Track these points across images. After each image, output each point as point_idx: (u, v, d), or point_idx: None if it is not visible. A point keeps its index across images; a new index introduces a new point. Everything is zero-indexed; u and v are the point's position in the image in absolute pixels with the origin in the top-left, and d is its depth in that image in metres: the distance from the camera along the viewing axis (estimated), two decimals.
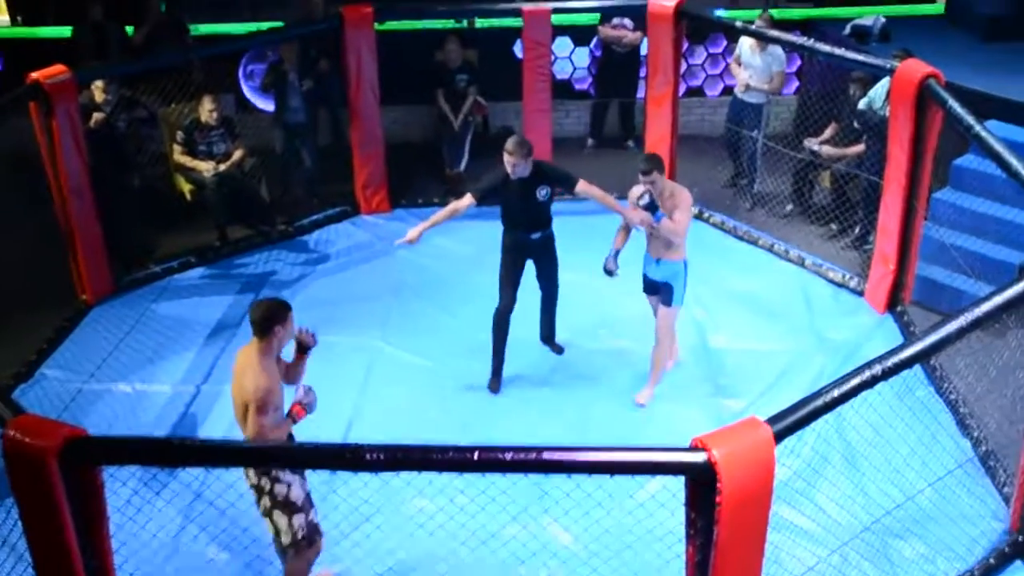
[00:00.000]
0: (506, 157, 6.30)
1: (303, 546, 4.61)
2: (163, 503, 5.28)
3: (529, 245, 6.67)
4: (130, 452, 3.91)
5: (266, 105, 9.61)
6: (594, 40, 10.43)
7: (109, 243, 7.78)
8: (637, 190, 6.28)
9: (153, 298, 7.84)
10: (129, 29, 9.76)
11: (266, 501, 4.56)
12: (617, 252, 6.47)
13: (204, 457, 4.04)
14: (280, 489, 4.51)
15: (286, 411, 4.58)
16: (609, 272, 6.44)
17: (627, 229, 6.50)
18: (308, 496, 4.62)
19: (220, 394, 6.60)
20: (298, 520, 4.56)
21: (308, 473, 4.65)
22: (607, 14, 9.91)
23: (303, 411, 4.58)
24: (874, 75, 7.90)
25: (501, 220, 6.65)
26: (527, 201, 6.47)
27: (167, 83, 8.50)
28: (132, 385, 6.76)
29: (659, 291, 6.47)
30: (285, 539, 4.58)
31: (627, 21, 9.92)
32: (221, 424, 6.22)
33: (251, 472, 4.53)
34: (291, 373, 4.83)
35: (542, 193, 6.49)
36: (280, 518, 4.56)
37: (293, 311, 4.59)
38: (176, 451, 4.00)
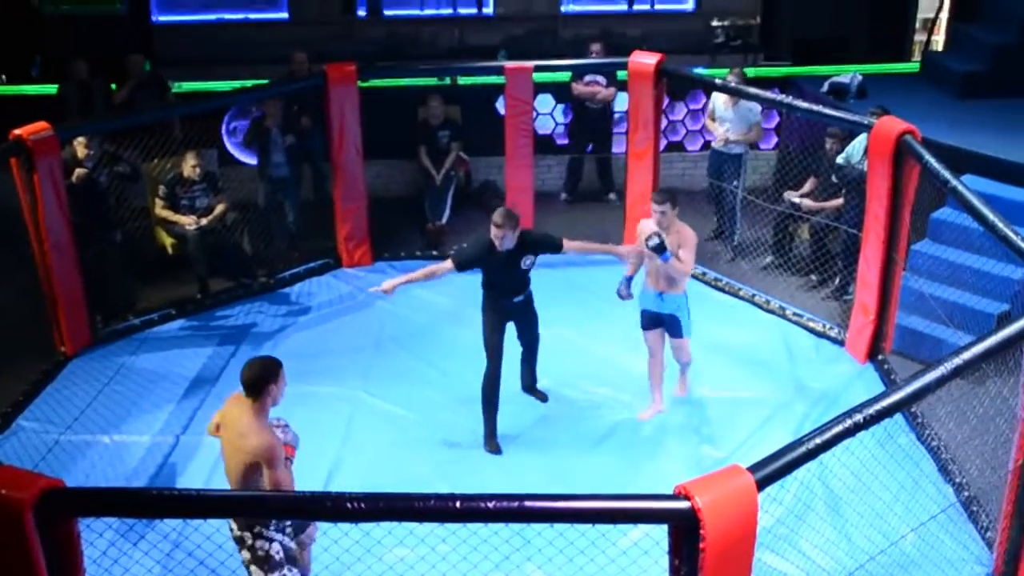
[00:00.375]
0: (494, 230, 6.23)
1: None
2: (141, 554, 5.20)
3: (511, 309, 6.64)
4: (107, 503, 3.87)
5: (250, 159, 9.66)
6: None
7: (89, 296, 7.76)
8: (645, 226, 6.44)
9: (132, 350, 7.80)
10: (114, 86, 9.84)
11: (246, 554, 4.56)
12: (629, 279, 6.66)
13: (182, 508, 3.98)
14: (261, 544, 4.50)
15: None
16: (622, 296, 6.66)
17: (636, 256, 6.64)
18: (289, 553, 4.58)
19: (200, 444, 6.56)
20: None
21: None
22: (580, 71, 10.05)
23: (292, 449, 4.67)
24: (851, 131, 8.02)
25: (483, 285, 6.60)
26: (512, 271, 6.44)
27: (149, 139, 8.54)
28: (110, 436, 6.70)
29: (662, 324, 6.68)
30: None
31: (600, 78, 10.07)
32: (200, 474, 6.18)
33: (235, 525, 4.52)
34: None
35: (527, 262, 6.47)
36: (257, 573, 4.56)
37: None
38: (154, 502, 3.95)
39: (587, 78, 10.11)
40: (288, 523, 4.60)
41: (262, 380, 4.51)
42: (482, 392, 6.57)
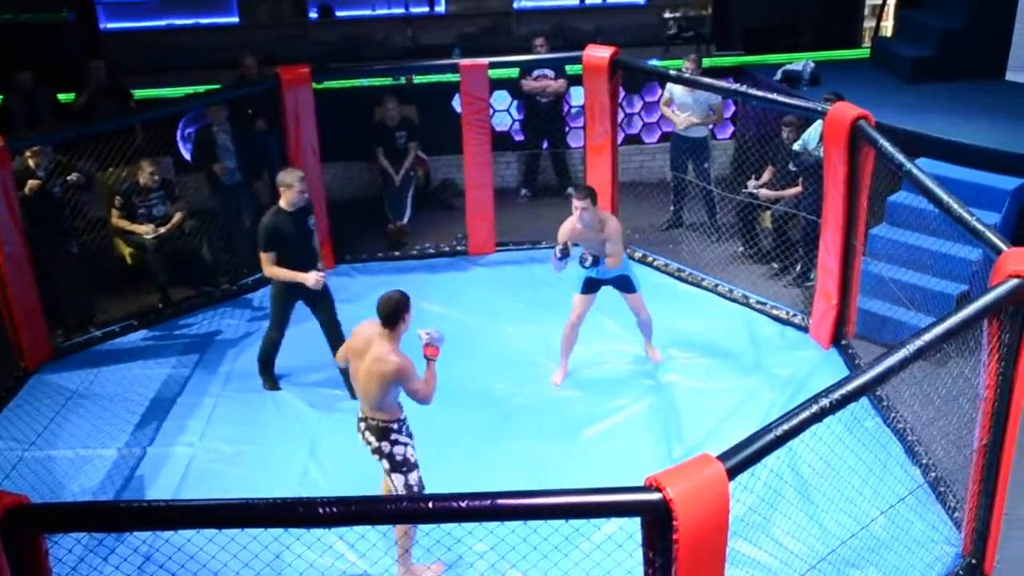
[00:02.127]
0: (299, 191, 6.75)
1: None
2: (111, 569, 5.13)
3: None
4: (74, 518, 3.81)
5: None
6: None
7: (48, 309, 7.65)
8: (568, 224, 6.71)
9: (95, 363, 7.69)
10: (63, 96, 9.70)
11: (386, 463, 5.18)
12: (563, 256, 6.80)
13: (151, 520, 3.93)
14: (398, 450, 5.17)
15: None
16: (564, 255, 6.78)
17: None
18: (416, 461, 5.24)
19: (168, 456, 6.50)
20: (412, 477, 5.17)
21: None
22: (533, 67, 10.06)
23: (436, 349, 5.17)
24: (807, 119, 8.10)
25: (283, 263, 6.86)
26: (302, 236, 6.90)
27: (105, 147, 8.43)
28: (75, 451, 6.60)
29: (599, 289, 7.04)
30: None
31: (548, 71, 10.10)
32: (169, 486, 6.12)
33: (372, 438, 5.17)
34: None
35: (311, 222, 6.98)
36: (398, 478, 5.15)
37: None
38: (122, 515, 3.89)
39: (535, 72, 10.13)
40: (407, 427, 5.26)
41: (397, 313, 5.06)
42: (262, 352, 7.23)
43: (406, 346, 5.16)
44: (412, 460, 5.22)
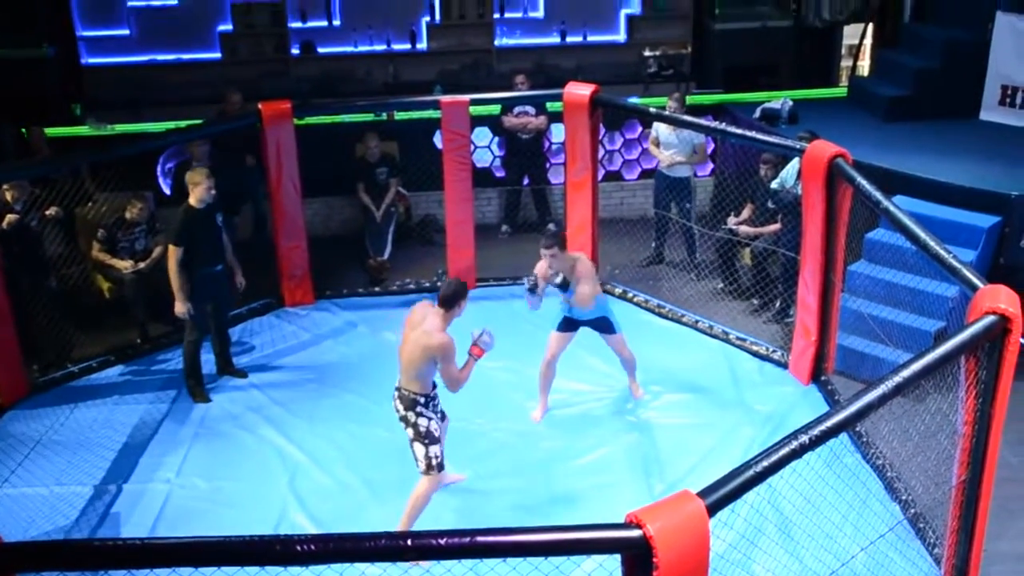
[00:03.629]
0: (204, 186, 7.15)
1: (435, 472, 5.69)
2: None
3: (216, 278, 7.46)
4: (47, 557, 3.75)
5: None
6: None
7: (24, 344, 7.59)
8: (542, 265, 6.74)
9: (71, 398, 7.62)
10: (49, 131, 9.66)
11: (410, 431, 5.69)
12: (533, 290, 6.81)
13: (126, 558, 3.88)
14: (422, 422, 5.65)
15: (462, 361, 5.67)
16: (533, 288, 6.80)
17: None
18: (441, 435, 5.77)
19: (144, 493, 6.44)
20: (433, 450, 5.67)
21: None
22: (513, 104, 10.13)
23: (481, 350, 5.70)
24: (784, 156, 8.17)
25: (184, 262, 7.17)
26: (213, 230, 7.29)
27: (82, 184, 8.41)
28: (50, 488, 6.53)
29: (576, 328, 7.02)
30: (422, 465, 5.69)
31: (529, 108, 10.17)
32: (145, 523, 6.05)
33: (401, 406, 5.69)
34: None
35: (220, 218, 7.36)
36: (419, 448, 5.67)
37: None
38: (96, 553, 3.84)
39: (516, 109, 10.19)
40: (436, 406, 5.78)
41: (455, 297, 5.61)
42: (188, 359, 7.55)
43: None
44: (435, 434, 5.69)
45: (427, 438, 5.69)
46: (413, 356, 5.60)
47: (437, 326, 5.57)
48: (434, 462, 5.71)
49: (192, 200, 7.21)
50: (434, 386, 5.75)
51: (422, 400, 5.68)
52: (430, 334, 5.53)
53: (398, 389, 5.75)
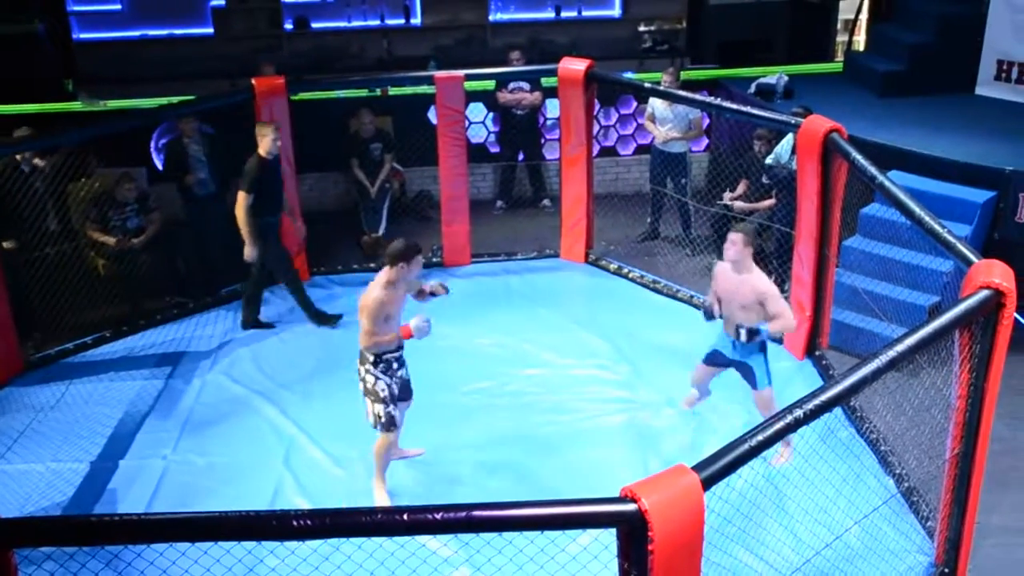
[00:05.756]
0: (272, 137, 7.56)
1: (382, 428, 5.87)
2: None
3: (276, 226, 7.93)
4: (45, 532, 3.76)
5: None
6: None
7: (18, 320, 7.57)
8: (720, 269, 6.22)
9: (66, 375, 7.62)
10: (32, 107, 9.60)
11: (360, 386, 5.90)
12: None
13: (123, 534, 3.89)
14: (369, 379, 5.81)
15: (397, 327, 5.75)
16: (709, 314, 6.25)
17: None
18: (392, 397, 5.83)
19: (140, 469, 6.45)
20: (378, 408, 5.83)
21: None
22: (508, 79, 10.09)
23: (410, 333, 5.68)
24: (779, 131, 8.16)
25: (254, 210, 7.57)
26: (280, 183, 7.84)
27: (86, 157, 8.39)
28: (46, 464, 6.53)
29: (724, 366, 6.36)
30: (370, 419, 5.90)
31: (524, 84, 10.14)
32: (142, 499, 6.06)
33: (359, 364, 5.85)
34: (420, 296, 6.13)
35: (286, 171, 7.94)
36: (368, 403, 5.87)
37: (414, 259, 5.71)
38: (93, 529, 3.86)
39: (511, 85, 10.16)
40: (389, 369, 5.83)
41: (397, 257, 5.66)
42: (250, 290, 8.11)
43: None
44: (382, 394, 5.81)
45: (372, 395, 5.83)
46: (359, 314, 5.75)
47: (377, 283, 5.70)
48: (382, 419, 5.86)
49: (261, 151, 7.56)
50: (399, 348, 5.84)
51: (371, 358, 5.79)
52: (368, 291, 5.70)
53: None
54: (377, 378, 5.81)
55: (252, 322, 8.24)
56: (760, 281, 5.99)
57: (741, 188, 8.73)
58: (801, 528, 5.41)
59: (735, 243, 6.00)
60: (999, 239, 7.67)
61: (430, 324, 5.73)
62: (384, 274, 5.73)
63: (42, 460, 6.58)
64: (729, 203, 8.63)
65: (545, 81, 9.94)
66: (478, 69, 9.75)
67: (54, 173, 8.17)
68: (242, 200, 7.52)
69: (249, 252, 7.69)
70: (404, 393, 6.01)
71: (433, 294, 6.07)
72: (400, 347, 5.88)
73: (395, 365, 5.88)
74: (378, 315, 5.65)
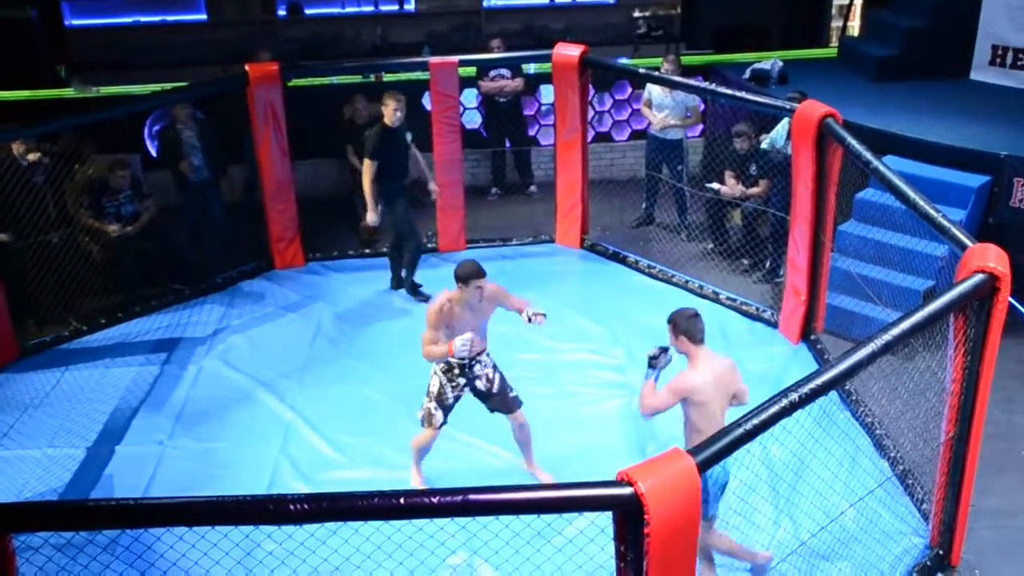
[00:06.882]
0: (393, 108, 7.81)
1: (423, 423, 5.92)
2: (80, 568, 5.08)
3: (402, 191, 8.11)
4: (42, 517, 3.77)
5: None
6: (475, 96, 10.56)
7: (13, 306, 7.57)
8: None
9: (62, 361, 7.62)
10: (26, 93, 9.56)
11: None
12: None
13: (120, 518, 3.90)
14: (432, 380, 5.91)
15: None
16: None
17: None
18: (440, 397, 5.87)
19: (137, 454, 6.46)
20: (425, 402, 5.91)
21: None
22: (484, 67, 10.06)
23: (451, 350, 5.59)
24: (760, 127, 8.18)
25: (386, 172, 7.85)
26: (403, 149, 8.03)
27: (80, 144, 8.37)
28: (42, 450, 6.53)
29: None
30: (419, 412, 5.97)
31: (504, 71, 10.13)
32: (138, 484, 6.07)
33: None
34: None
35: (411, 137, 8.08)
36: (424, 399, 5.94)
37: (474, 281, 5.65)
38: (90, 514, 3.86)
39: (492, 73, 10.14)
40: (449, 371, 5.87)
41: (459, 278, 5.67)
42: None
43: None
44: (432, 391, 5.90)
45: (427, 393, 5.92)
46: None
47: (438, 298, 5.76)
48: (422, 415, 5.94)
49: (386, 120, 7.84)
50: (469, 362, 5.85)
51: (440, 362, 5.87)
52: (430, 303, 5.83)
53: None
54: (434, 373, 5.91)
55: (409, 287, 8.42)
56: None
57: (730, 180, 8.67)
58: (797, 510, 5.44)
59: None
60: (993, 223, 7.68)
61: (468, 346, 5.58)
62: (449, 291, 5.78)
63: (38, 446, 6.59)
64: (716, 187, 8.64)
65: (538, 67, 9.92)
66: (472, 55, 9.73)
67: (54, 164, 8.14)
68: (367, 167, 7.81)
69: (370, 217, 7.93)
70: (446, 413, 5.96)
71: (530, 320, 5.95)
72: (470, 360, 5.86)
73: (456, 371, 5.89)
74: (434, 327, 5.71)
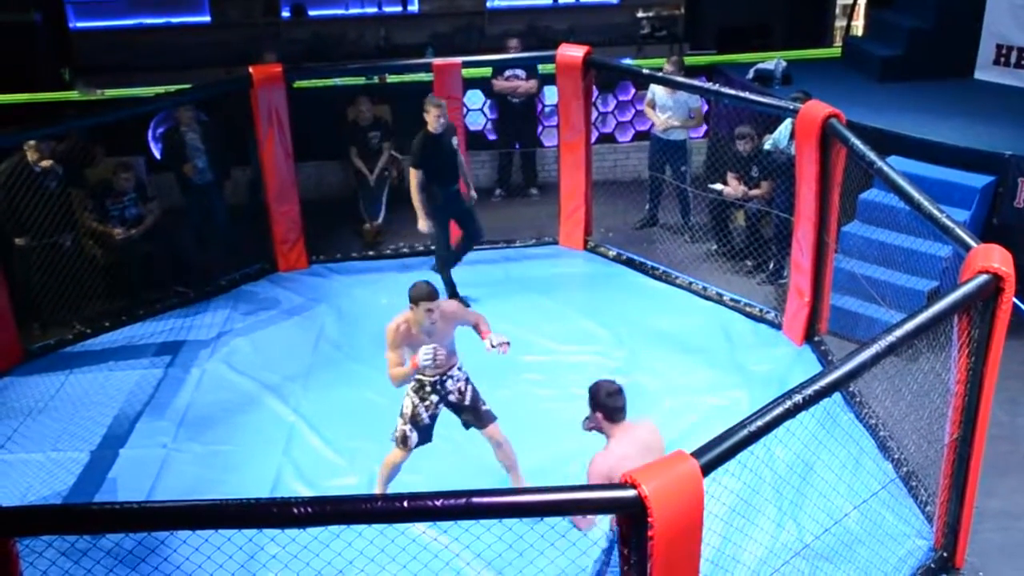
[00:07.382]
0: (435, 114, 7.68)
1: (397, 444, 5.82)
2: (83, 572, 5.08)
3: (450, 199, 8.01)
4: (46, 521, 3.78)
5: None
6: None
7: (17, 310, 7.58)
8: None
9: (66, 364, 7.63)
10: (25, 96, 9.56)
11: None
12: None
13: (124, 522, 3.90)
14: (404, 400, 5.82)
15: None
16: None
17: None
18: (414, 419, 5.78)
19: (141, 458, 6.46)
20: (399, 423, 5.81)
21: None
22: (499, 67, 10.06)
23: (415, 364, 5.49)
24: (764, 129, 8.19)
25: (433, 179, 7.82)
26: (449, 155, 7.86)
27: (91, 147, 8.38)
28: (46, 453, 6.54)
29: None
30: (394, 433, 5.86)
31: (520, 71, 10.11)
32: (142, 488, 6.07)
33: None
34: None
35: (455, 141, 7.93)
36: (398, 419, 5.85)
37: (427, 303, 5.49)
38: (94, 517, 3.87)
39: (507, 72, 10.13)
40: (420, 390, 5.79)
41: (412, 298, 5.53)
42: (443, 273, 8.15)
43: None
44: (406, 413, 5.81)
45: (400, 415, 5.83)
46: None
47: (396, 317, 5.65)
48: (397, 436, 5.82)
49: (429, 126, 7.74)
50: (418, 372, 5.65)
51: (411, 381, 5.77)
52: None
53: None
54: (409, 399, 5.81)
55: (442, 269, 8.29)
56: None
57: (732, 182, 8.66)
58: (800, 513, 5.43)
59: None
60: (998, 224, 7.67)
61: (432, 358, 5.47)
62: (406, 310, 5.65)
63: (42, 449, 6.60)
64: (718, 188, 8.63)
65: (543, 68, 9.91)
66: (475, 56, 9.72)
67: (65, 169, 8.16)
68: (413, 176, 7.78)
69: (422, 224, 7.88)
70: (424, 433, 5.88)
71: (493, 347, 5.83)
72: (440, 376, 5.77)
73: (428, 389, 5.80)
74: (394, 347, 5.60)
